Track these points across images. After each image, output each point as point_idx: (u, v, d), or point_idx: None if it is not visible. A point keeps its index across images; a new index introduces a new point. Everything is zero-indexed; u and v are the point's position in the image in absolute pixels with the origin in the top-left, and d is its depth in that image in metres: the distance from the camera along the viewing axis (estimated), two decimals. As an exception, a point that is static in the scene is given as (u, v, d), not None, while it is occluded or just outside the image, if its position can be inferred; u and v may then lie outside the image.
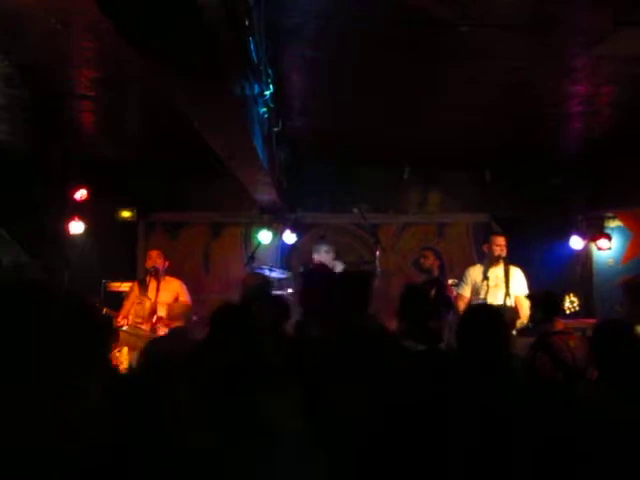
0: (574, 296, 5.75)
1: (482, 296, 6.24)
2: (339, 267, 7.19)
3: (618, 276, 7.85)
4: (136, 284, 6.72)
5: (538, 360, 4.17)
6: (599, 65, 4.76)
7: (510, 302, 6.06)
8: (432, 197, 8.84)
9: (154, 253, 6.79)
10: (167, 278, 6.70)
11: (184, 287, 6.77)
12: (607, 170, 7.76)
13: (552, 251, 8.03)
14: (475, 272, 6.46)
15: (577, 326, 5.66)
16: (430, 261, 6.91)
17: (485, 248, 6.54)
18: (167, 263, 6.77)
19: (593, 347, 3.22)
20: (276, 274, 7.68)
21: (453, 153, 7.82)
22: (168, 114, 4.84)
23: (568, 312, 6.27)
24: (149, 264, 6.66)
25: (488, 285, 6.20)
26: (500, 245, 6.27)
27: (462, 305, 6.43)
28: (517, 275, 6.31)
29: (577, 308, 6.39)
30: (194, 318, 5.56)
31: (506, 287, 6.12)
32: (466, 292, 6.49)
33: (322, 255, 7.30)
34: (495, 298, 6.11)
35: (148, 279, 6.57)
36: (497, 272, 6.27)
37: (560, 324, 4.63)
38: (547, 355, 4.18)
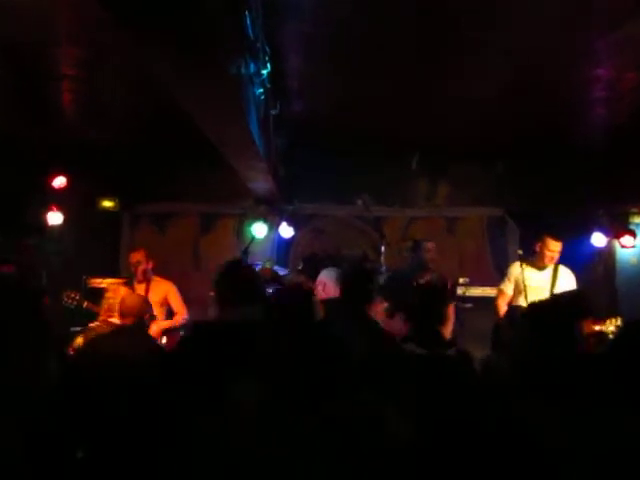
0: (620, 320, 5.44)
1: (522, 295, 6.00)
2: None
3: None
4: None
5: None
6: (622, 48, 4.65)
7: None
8: (440, 189, 8.71)
9: (138, 255, 6.46)
10: (156, 279, 6.52)
11: (175, 289, 6.58)
12: (630, 161, 7.50)
13: (571, 248, 7.64)
14: (517, 270, 6.24)
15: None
16: (431, 254, 6.70)
17: (537, 247, 6.24)
18: (151, 264, 6.49)
19: None
20: (271, 270, 7.41)
21: (463, 142, 7.63)
22: (156, 96, 4.82)
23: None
24: (133, 268, 6.41)
25: (528, 285, 5.99)
26: (553, 252, 6.05)
27: (501, 302, 6.26)
28: (565, 275, 6.13)
29: None
30: (147, 316, 5.01)
31: (551, 288, 5.95)
32: (508, 289, 6.26)
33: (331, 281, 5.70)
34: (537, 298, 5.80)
35: (135, 282, 6.35)
36: (542, 274, 6.10)
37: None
38: None
